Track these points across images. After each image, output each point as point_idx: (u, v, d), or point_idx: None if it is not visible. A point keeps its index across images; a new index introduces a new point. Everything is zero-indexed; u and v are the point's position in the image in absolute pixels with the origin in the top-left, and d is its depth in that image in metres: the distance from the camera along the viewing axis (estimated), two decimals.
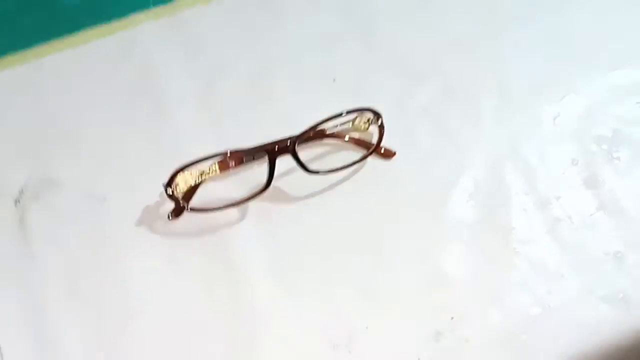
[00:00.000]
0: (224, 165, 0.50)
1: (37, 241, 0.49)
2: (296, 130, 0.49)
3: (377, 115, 0.51)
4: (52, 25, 0.58)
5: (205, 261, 0.48)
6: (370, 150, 0.51)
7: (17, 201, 0.51)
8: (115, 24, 0.58)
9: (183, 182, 0.49)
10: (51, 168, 0.52)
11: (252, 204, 0.50)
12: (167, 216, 0.49)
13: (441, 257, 0.48)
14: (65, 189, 0.51)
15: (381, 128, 0.51)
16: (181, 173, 0.48)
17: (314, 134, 0.52)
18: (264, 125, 0.53)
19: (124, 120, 0.54)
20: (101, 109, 0.55)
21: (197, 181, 0.50)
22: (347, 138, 0.53)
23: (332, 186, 0.51)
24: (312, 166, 0.50)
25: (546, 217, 0.50)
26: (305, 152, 0.51)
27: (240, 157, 0.51)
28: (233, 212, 0.50)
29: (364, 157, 0.51)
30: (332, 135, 0.53)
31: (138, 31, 0.58)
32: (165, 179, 0.47)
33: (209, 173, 0.50)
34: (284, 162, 0.49)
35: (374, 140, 0.52)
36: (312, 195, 0.51)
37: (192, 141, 0.53)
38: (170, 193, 0.47)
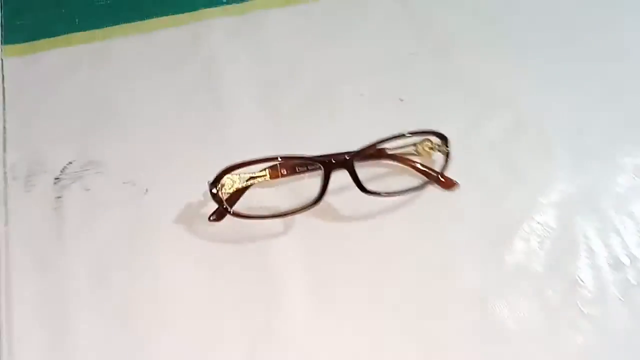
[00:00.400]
0: (275, 173, 0.48)
1: (70, 223, 0.47)
2: (355, 147, 0.46)
3: (444, 140, 0.47)
4: (122, 10, 0.57)
5: (240, 270, 0.45)
6: (432, 177, 0.48)
7: (57, 179, 0.49)
8: (186, 16, 0.57)
9: (230, 184, 0.46)
10: (97, 151, 0.50)
11: (298, 218, 0.46)
12: (208, 217, 0.46)
13: (497, 306, 0.43)
14: (107, 174, 0.49)
15: (447, 155, 0.47)
16: (229, 174, 0.46)
17: (373, 153, 0.49)
18: (323, 137, 0.50)
19: (179, 113, 0.52)
20: (158, 98, 0.53)
21: (244, 185, 0.47)
22: (408, 162, 0.50)
23: (386, 210, 0.47)
24: (368, 186, 0.46)
25: (619, 279, 0.45)
26: (362, 171, 0.47)
27: (294, 166, 0.48)
28: (277, 223, 0.47)
29: (425, 184, 0.48)
30: (392, 157, 0.50)
31: (207, 26, 0.56)
32: (212, 178, 0.44)
33: (258, 178, 0.47)
34: (339, 178, 0.46)
35: (437, 168, 0.48)
36: (364, 217, 0.47)
37: (246, 143, 0.50)
38: (215, 192, 0.44)
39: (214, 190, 0.45)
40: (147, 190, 0.48)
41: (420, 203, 0.48)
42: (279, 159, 0.45)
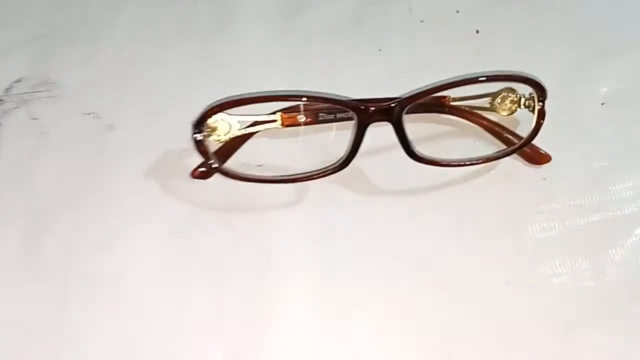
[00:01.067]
0: (290, 118, 0.34)
1: (6, 161, 0.35)
2: (405, 91, 0.32)
3: (539, 90, 0.32)
4: None
5: (226, 250, 0.32)
6: (516, 145, 0.33)
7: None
8: None
9: (224, 129, 0.33)
10: (54, 69, 0.37)
11: (315, 185, 0.33)
12: (190, 172, 0.33)
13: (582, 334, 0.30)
14: (64, 101, 0.36)
15: (541, 114, 0.32)
16: (223, 113, 0.32)
17: (431, 102, 0.34)
18: (361, 72, 0.37)
19: (165, 26, 0.39)
20: (139, 6, 0.40)
21: (245, 132, 0.33)
22: (479, 119, 0.35)
23: (441, 187, 0.33)
24: (419, 149, 0.32)
25: None
26: (412, 127, 0.33)
27: (317, 111, 0.34)
28: (285, 189, 0.33)
29: (503, 154, 0.33)
30: (457, 111, 0.35)
31: None
32: (196, 117, 0.31)
33: (265, 124, 0.34)
34: (378, 135, 0.32)
35: (521, 132, 0.34)
36: (409, 193, 0.33)
37: (254, 71, 0.37)
38: (199, 139, 0.31)
39: (198, 136, 0.31)
40: (112, 126, 0.35)
41: (493, 181, 0.33)
42: (299, 99, 0.32)
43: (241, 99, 0.31)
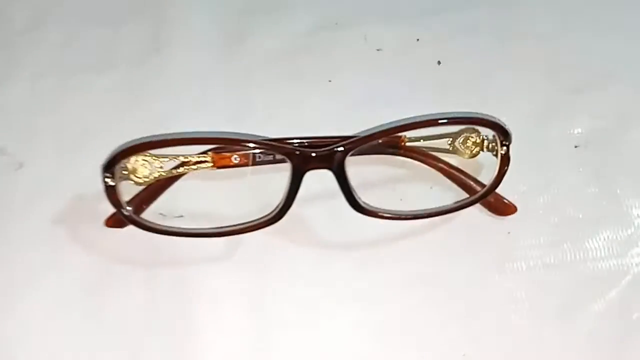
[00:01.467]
0: (223, 159, 0.29)
1: None
2: (355, 129, 0.28)
3: (504, 135, 0.28)
4: None
5: (143, 307, 0.28)
6: (477, 194, 0.29)
7: None
8: None
9: (144, 170, 0.29)
10: None
11: (250, 238, 0.28)
12: (105, 220, 0.29)
13: None
14: None
15: (505, 160, 0.29)
16: (140, 155, 0.28)
17: (383, 143, 0.31)
18: (310, 107, 0.33)
19: (88, 54, 0.34)
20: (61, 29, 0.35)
21: (170, 174, 0.29)
22: (437, 164, 0.31)
23: (392, 239, 0.29)
24: (367, 197, 0.29)
25: None
26: (360, 169, 0.29)
27: (251, 155, 0.30)
28: (214, 241, 0.29)
29: (463, 205, 0.29)
30: (413, 153, 0.31)
31: None
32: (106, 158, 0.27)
33: (194, 165, 0.30)
34: (322, 179, 0.28)
35: (484, 178, 0.30)
36: (353, 245, 0.29)
37: (187, 107, 0.33)
38: (110, 184, 0.27)
39: (109, 181, 0.27)
40: (21, 164, 0.31)
41: (450, 234, 0.30)
42: (224, 142, 0.28)
43: (158, 141, 0.26)
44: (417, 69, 0.34)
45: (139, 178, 0.29)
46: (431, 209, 0.29)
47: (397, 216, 0.29)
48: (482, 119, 0.28)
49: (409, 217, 0.29)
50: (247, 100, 0.33)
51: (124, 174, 0.28)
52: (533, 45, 0.35)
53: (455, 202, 0.29)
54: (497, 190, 0.29)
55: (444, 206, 0.29)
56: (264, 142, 0.27)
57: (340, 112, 0.32)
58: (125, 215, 0.27)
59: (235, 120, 0.32)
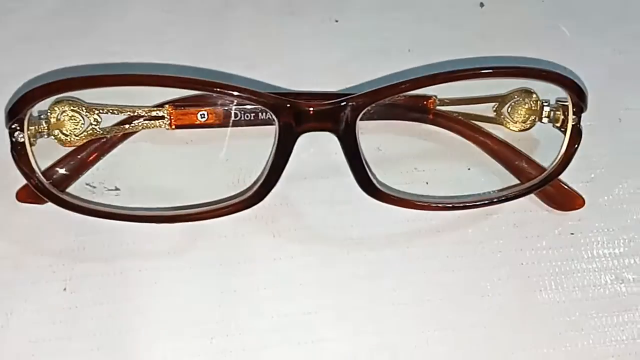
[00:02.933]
0: (184, 116, 0.22)
1: None
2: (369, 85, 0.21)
3: (579, 98, 0.20)
4: None
5: (60, 314, 0.20)
6: (535, 180, 0.21)
7: None
8: None
9: (72, 126, 0.21)
10: None
11: (213, 224, 0.20)
12: (15, 192, 0.21)
13: None
14: None
15: (575, 134, 0.21)
16: (67, 104, 0.20)
17: (406, 104, 0.23)
18: (308, 52, 0.25)
19: None
20: None
21: (107, 132, 0.22)
22: (478, 136, 0.23)
23: (412, 236, 0.22)
24: (383, 177, 0.21)
25: None
26: (373, 140, 0.22)
27: (227, 108, 0.22)
28: (166, 228, 0.21)
29: (514, 194, 0.21)
30: (446, 120, 0.23)
31: None
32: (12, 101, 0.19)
33: (145, 122, 0.22)
34: (320, 144, 0.21)
35: (541, 159, 0.22)
36: (359, 241, 0.21)
37: (140, 40, 0.24)
38: (19, 141, 0.19)
39: (18, 135, 0.19)
40: None
41: (493, 233, 0.22)
42: (191, 86, 0.20)
43: (86, 79, 0.18)
44: (452, 10, 0.26)
45: (67, 135, 0.21)
46: (467, 197, 0.22)
47: (422, 204, 0.21)
48: (549, 73, 0.20)
49: (438, 206, 0.21)
50: (223, 39, 0.25)
51: (44, 128, 0.21)
52: None
53: (501, 190, 0.22)
54: (560, 178, 0.22)
55: (484, 194, 0.22)
56: (244, 89, 0.19)
57: (348, 61, 0.25)
58: (37, 185, 0.19)
59: (204, 64, 0.24)
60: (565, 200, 0.22)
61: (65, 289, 0.20)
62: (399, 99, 0.22)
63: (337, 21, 0.25)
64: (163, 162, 0.22)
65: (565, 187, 0.22)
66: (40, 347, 0.20)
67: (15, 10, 0.25)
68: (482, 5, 0.26)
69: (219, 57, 0.24)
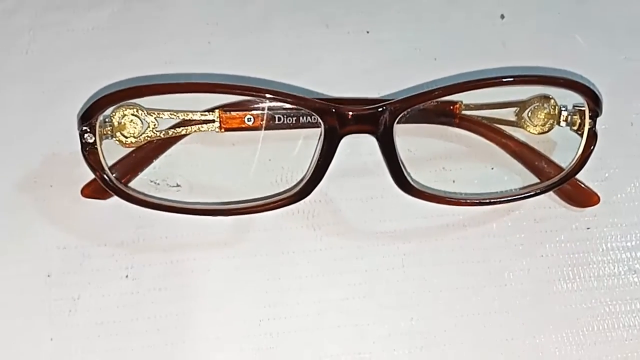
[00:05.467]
0: (233, 120, 0.24)
1: None
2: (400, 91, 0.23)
3: (595, 103, 0.22)
4: None
5: (123, 300, 0.22)
6: (554, 179, 0.23)
7: None
8: None
9: (134, 129, 0.23)
10: None
11: (262, 219, 0.23)
12: (81, 188, 0.24)
13: None
14: None
15: (592, 137, 0.23)
16: (133, 108, 0.22)
17: (435, 109, 0.25)
18: (343, 60, 0.27)
19: None
20: None
21: (165, 134, 0.24)
22: (500, 138, 0.25)
23: (442, 230, 0.24)
24: (416, 176, 0.23)
25: None
26: (406, 142, 0.24)
27: (273, 113, 0.24)
28: (218, 222, 0.23)
29: (534, 192, 0.23)
30: (471, 124, 0.25)
31: None
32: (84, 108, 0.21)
33: (197, 125, 0.24)
34: (358, 148, 0.23)
35: (559, 159, 0.24)
36: (395, 235, 0.24)
37: (190, 48, 0.26)
38: (89, 142, 0.21)
39: (88, 137, 0.21)
40: None
41: (515, 228, 0.24)
42: (242, 92, 0.22)
43: (148, 87, 0.21)
44: (474, 22, 0.28)
45: (127, 137, 0.23)
46: (491, 194, 0.24)
47: (451, 200, 0.23)
48: (566, 80, 0.23)
49: (464, 202, 0.23)
50: (264, 51, 0.27)
51: (108, 131, 0.23)
52: (615, 2, 0.29)
53: (523, 188, 0.24)
54: (577, 177, 0.24)
55: (507, 192, 0.24)
56: (292, 95, 0.21)
57: (378, 71, 0.27)
58: (106, 182, 0.21)
59: (249, 72, 0.26)
60: (582, 197, 0.24)
61: (127, 276, 0.23)
62: (429, 105, 0.24)
63: (368, 32, 0.28)
64: (213, 161, 0.24)
65: (582, 185, 0.24)
66: (106, 328, 0.22)
67: (71, 23, 0.27)
68: (502, 17, 0.28)
69: (259, 65, 0.27)
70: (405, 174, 0.22)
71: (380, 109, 0.21)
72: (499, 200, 0.23)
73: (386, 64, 0.27)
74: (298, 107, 0.22)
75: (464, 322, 0.23)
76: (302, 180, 0.22)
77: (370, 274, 0.23)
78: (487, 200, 0.24)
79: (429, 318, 0.23)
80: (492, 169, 0.25)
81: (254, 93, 0.22)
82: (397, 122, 0.21)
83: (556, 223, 0.24)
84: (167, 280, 0.23)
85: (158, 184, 0.23)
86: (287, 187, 0.23)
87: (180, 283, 0.23)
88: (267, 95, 0.21)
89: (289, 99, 0.21)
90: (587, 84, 0.22)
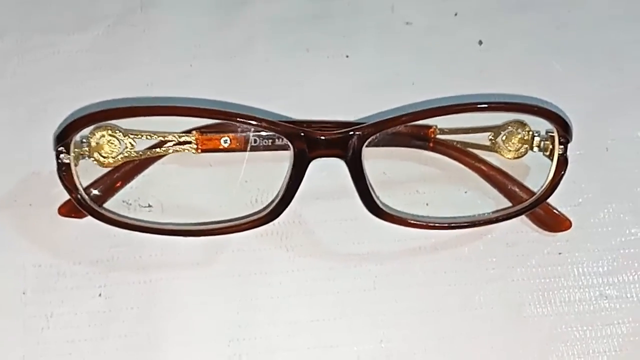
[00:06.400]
0: (209, 142, 0.24)
1: None
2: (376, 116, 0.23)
3: (564, 130, 0.23)
4: None
5: (96, 318, 0.23)
6: (525, 203, 0.24)
7: None
8: None
9: (111, 149, 0.24)
10: None
11: (234, 239, 0.23)
12: (58, 208, 0.24)
13: None
14: None
15: (562, 162, 0.23)
16: (106, 129, 0.23)
17: (409, 132, 0.25)
18: (320, 85, 0.27)
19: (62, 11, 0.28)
20: None
21: (141, 155, 0.24)
22: (474, 163, 0.25)
23: (411, 253, 0.24)
24: (386, 199, 0.23)
25: None
26: (378, 165, 0.25)
27: (246, 137, 0.25)
28: (191, 242, 0.23)
29: (506, 216, 0.23)
30: (445, 148, 0.25)
31: None
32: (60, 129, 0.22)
33: (174, 146, 0.24)
34: (332, 168, 0.23)
35: (531, 184, 0.25)
36: (364, 257, 0.24)
37: (173, 72, 0.27)
38: (65, 162, 0.22)
39: (63, 157, 0.22)
40: None
41: (486, 253, 0.24)
42: (212, 116, 0.22)
43: (124, 109, 0.21)
44: (454, 45, 0.28)
45: (105, 157, 0.24)
46: (463, 218, 0.24)
47: (422, 224, 0.23)
48: (536, 108, 0.23)
49: (436, 226, 0.24)
50: (244, 74, 0.27)
51: (86, 151, 0.23)
52: (592, 29, 0.30)
53: (495, 212, 0.24)
54: (548, 201, 0.24)
55: (480, 215, 0.24)
56: (262, 119, 0.22)
57: (357, 94, 0.27)
58: (80, 202, 0.22)
59: (228, 96, 0.26)
60: (554, 222, 0.25)
61: (100, 295, 0.23)
62: (403, 129, 0.25)
63: (347, 57, 0.28)
64: (189, 182, 0.25)
65: (554, 210, 0.25)
66: (77, 346, 0.23)
67: (56, 45, 0.28)
68: (480, 43, 0.29)
69: (240, 89, 0.27)
70: (375, 197, 0.22)
71: (350, 133, 0.22)
72: (471, 224, 0.24)
73: (365, 87, 0.27)
74: (269, 131, 0.22)
75: (434, 345, 0.23)
76: (272, 202, 0.22)
77: (342, 296, 0.24)
78: (459, 224, 0.24)
79: (399, 340, 0.23)
80: (466, 192, 0.25)
81: (226, 117, 0.22)
82: (367, 146, 0.22)
83: (528, 247, 0.24)
84: (139, 299, 0.23)
85: (130, 203, 0.24)
86: (260, 209, 0.23)
87: (152, 302, 0.23)
88: (239, 120, 0.22)
89: (261, 123, 0.22)
90: (556, 112, 0.23)
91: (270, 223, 0.22)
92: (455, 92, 0.27)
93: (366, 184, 0.22)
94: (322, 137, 0.21)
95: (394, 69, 0.28)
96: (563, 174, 0.23)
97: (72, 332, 0.22)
